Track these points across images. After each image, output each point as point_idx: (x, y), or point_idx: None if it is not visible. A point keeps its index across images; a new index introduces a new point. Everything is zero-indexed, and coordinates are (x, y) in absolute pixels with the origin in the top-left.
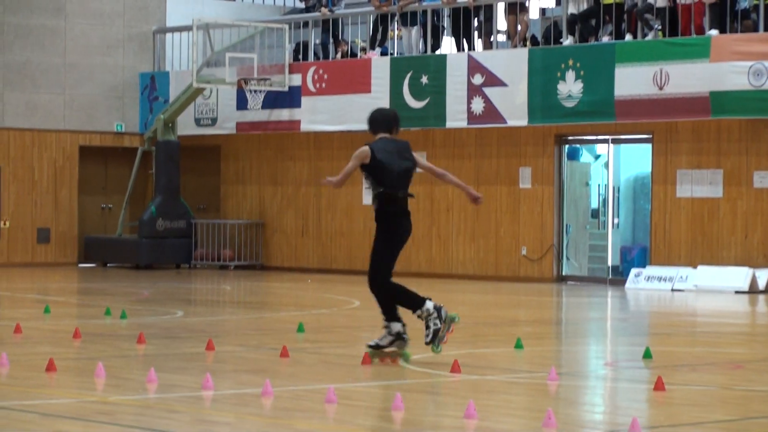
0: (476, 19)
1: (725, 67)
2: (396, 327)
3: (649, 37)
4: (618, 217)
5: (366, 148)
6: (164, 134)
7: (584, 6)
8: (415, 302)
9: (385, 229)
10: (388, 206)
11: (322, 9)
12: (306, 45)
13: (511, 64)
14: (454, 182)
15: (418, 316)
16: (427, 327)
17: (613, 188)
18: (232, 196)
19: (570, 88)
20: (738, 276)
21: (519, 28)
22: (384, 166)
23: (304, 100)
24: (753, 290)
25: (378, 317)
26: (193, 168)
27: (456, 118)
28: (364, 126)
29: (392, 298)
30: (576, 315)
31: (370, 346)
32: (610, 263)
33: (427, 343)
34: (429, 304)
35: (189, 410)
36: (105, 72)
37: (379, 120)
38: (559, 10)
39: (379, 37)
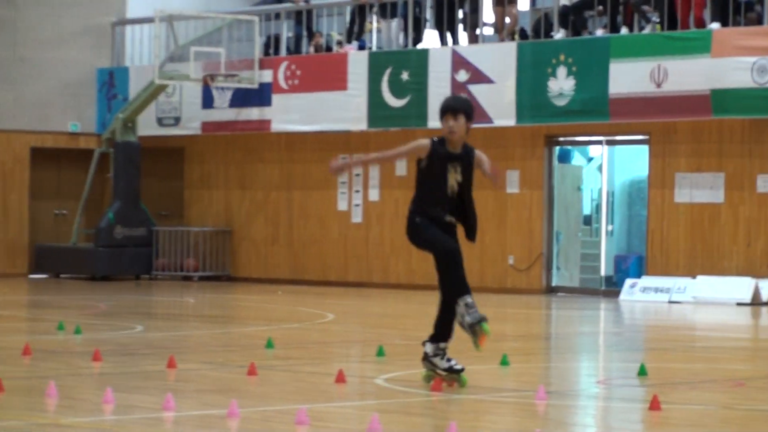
0: (461, 10)
1: (727, 63)
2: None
3: (646, 30)
4: (612, 223)
5: None
6: (123, 135)
7: None
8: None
9: None
10: None
11: None
12: (277, 38)
13: (499, 60)
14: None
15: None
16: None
17: (607, 193)
18: (197, 201)
19: (561, 85)
20: (740, 287)
21: (507, 20)
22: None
23: (275, 97)
24: (756, 302)
25: (353, 332)
26: (154, 171)
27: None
28: (339, 126)
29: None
30: (566, 329)
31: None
32: (603, 273)
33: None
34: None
35: None
36: (59, 67)
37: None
38: (551, 1)
39: (356, 29)
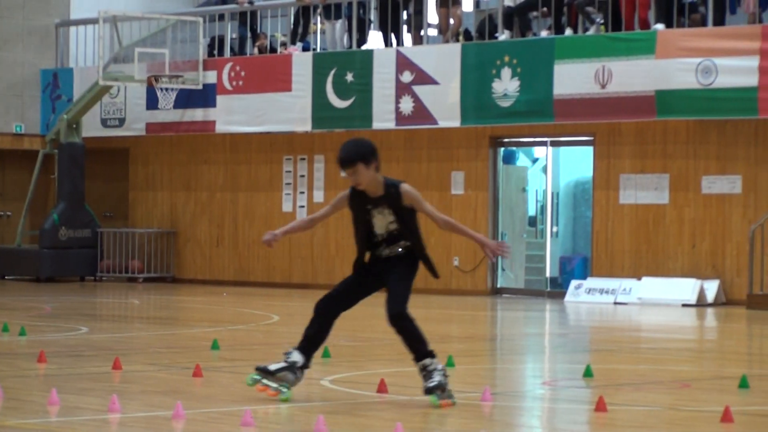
0: (405, 11)
1: (672, 64)
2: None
3: (591, 31)
4: (557, 225)
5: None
6: (68, 136)
7: None
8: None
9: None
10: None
11: (239, 0)
12: (222, 39)
13: (443, 61)
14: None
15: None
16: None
17: (552, 194)
18: (142, 202)
19: (506, 86)
20: (685, 288)
21: (451, 21)
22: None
23: (220, 98)
24: (701, 303)
25: (298, 333)
26: (99, 172)
27: (383, 118)
28: (283, 127)
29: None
30: (512, 330)
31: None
32: (548, 275)
33: (429, 389)
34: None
35: None
36: (3, 68)
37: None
38: (495, 2)
39: (300, 30)
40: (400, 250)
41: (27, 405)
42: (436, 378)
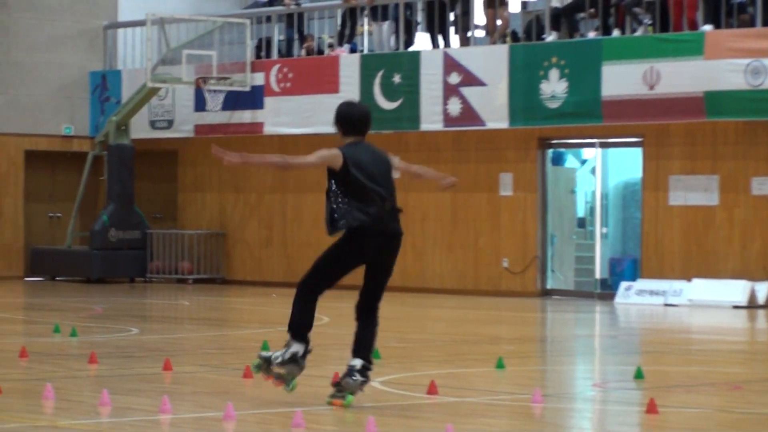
0: (452, 13)
1: (720, 65)
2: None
3: (639, 32)
4: (606, 226)
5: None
6: (116, 138)
7: None
8: (299, 328)
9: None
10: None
11: (286, 2)
12: (269, 41)
13: (491, 62)
14: (430, 175)
15: (286, 342)
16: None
17: (601, 195)
18: (191, 204)
19: (554, 87)
20: (735, 289)
21: (498, 22)
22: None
23: (268, 100)
24: (752, 305)
25: (348, 335)
26: (148, 174)
27: (431, 120)
28: (332, 128)
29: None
30: (562, 332)
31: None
32: (598, 276)
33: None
34: (298, 347)
35: None
36: (52, 71)
37: (355, 119)
38: (542, 3)
39: (347, 32)
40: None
41: (78, 406)
42: (278, 353)
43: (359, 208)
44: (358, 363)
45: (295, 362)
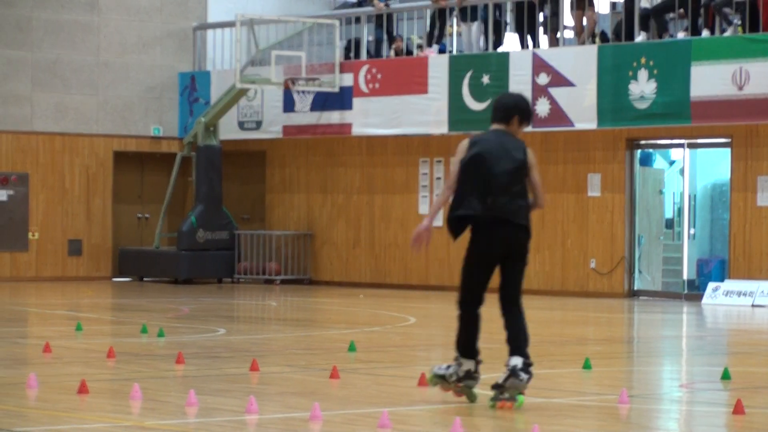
0: (541, 14)
1: None
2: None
3: (728, 32)
4: (694, 227)
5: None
6: (205, 138)
7: None
8: (465, 347)
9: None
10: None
11: (376, 3)
12: (358, 42)
13: (579, 63)
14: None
15: (455, 358)
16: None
17: (689, 196)
18: (279, 205)
19: (642, 88)
20: None
21: (584, 22)
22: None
23: (356, 101)
24: None
25: (435, 336)
26: (236, 175)
27: None
28: (420, 129)
29: (464, 331)
30: (649, 333)
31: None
32: (685, 277)
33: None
34: (469, 364)
35: None
36: (141, 71)
37: (494, 106)
38: (631, 3)
39: (436, 33)
40: None
41: (165, 406)
42: (452, 370)
43: (476, 197)
44: (519, 362)
45: (470, 377)
